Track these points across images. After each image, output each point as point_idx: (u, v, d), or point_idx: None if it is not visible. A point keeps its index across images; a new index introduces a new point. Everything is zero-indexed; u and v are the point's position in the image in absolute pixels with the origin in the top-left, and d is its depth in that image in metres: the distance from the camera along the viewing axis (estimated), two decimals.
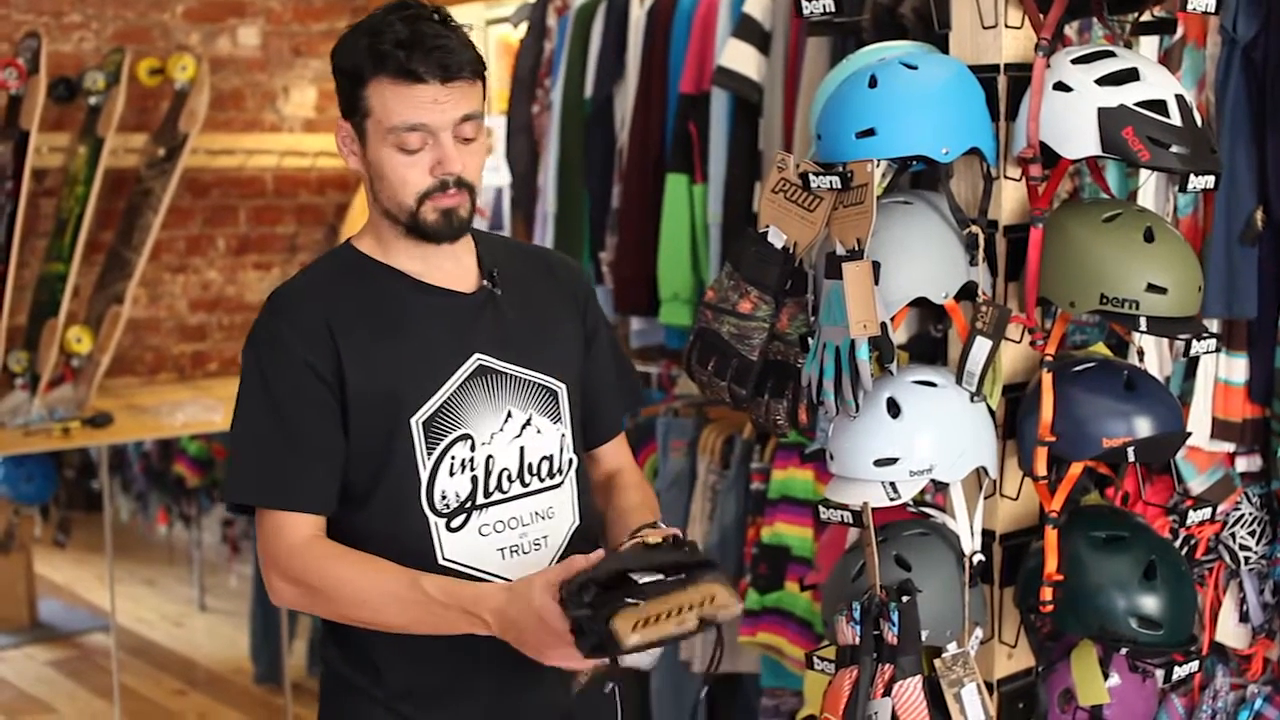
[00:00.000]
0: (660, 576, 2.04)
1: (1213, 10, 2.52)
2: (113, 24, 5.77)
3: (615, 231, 4.55)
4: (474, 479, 2.30)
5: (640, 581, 2.04)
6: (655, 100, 4.37)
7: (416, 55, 2.18)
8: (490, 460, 2.31)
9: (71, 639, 6.61)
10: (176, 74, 5.63)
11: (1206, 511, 2.76)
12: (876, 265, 2.49)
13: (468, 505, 2.30)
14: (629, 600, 2.00)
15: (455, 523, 2.30)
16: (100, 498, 6.16)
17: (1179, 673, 2.62)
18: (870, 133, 2.49)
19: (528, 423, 2.36)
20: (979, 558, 2.65)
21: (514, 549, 2.33)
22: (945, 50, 2.69)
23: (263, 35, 6.13)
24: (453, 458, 2.29)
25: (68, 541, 6.94)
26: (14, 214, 5.20)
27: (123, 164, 5.66)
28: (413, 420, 2.27)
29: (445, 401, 2.28)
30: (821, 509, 2.68)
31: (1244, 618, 3.07)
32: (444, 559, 2.29)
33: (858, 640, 2.55)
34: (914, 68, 2.54)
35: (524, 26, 5.03)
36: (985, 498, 2.69)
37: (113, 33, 5.77)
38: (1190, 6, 2.48)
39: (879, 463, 2.55)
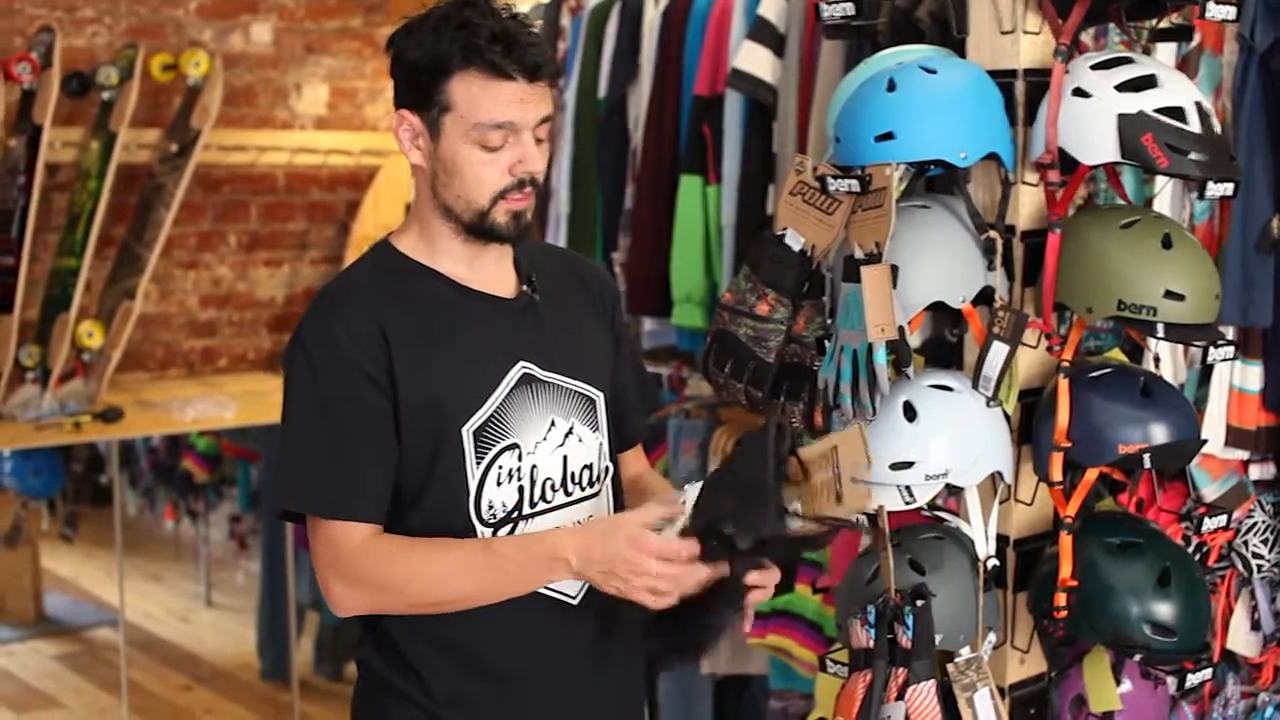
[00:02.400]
0: None
1: (1232, 18, 2.52)
2: (126, 19, 5.77)
3: (628, 232, 4.55)
4: (520, 489, 2.28)
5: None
6: (669, 102, 4.37)
7: (512, 52, 2.17)
8: (535, 470, 2.28)
9: (78, 633, 6.61)
10: (189, 70, 5.63)
11: (1222, 519, 2.76)
12: (895, 269, 2.49)
13: (514, 515, 2.28)
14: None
15: (501, 533, 2.27)
16: (107, 492, 6.17)
17: (1192, 680, 2.63)
18: (889, 136, 2.50)
19: (570, 431, 2.33)
20: (993, 562, 2.65)
21: None
22: (962, 55, 2.70)
23: (275, 32, 6.13)
24: (500, 467, 2.26)
25: (75, 536, 6.95)
26: (26, 208, 5.20)
27: (135, 159, 5.66)
28: (464, 429, 2.24)
29: (495, 411, 2.26)
30: None
31: (1255, 626, 3.07)
32: None
33: (872, 643, 2.55)
34: (933, 72, 2.54)
35: (538, 26, 5.03)
36: (1000, 502, 2.69)
37: (126, 28, 5.77)
38: (1209, 14, 2.48)
39: (895, 466, 2.55)
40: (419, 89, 2.22)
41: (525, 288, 2.36)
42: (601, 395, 2.40)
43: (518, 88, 2.19)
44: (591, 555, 2.14)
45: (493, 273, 2.34)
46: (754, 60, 4.03)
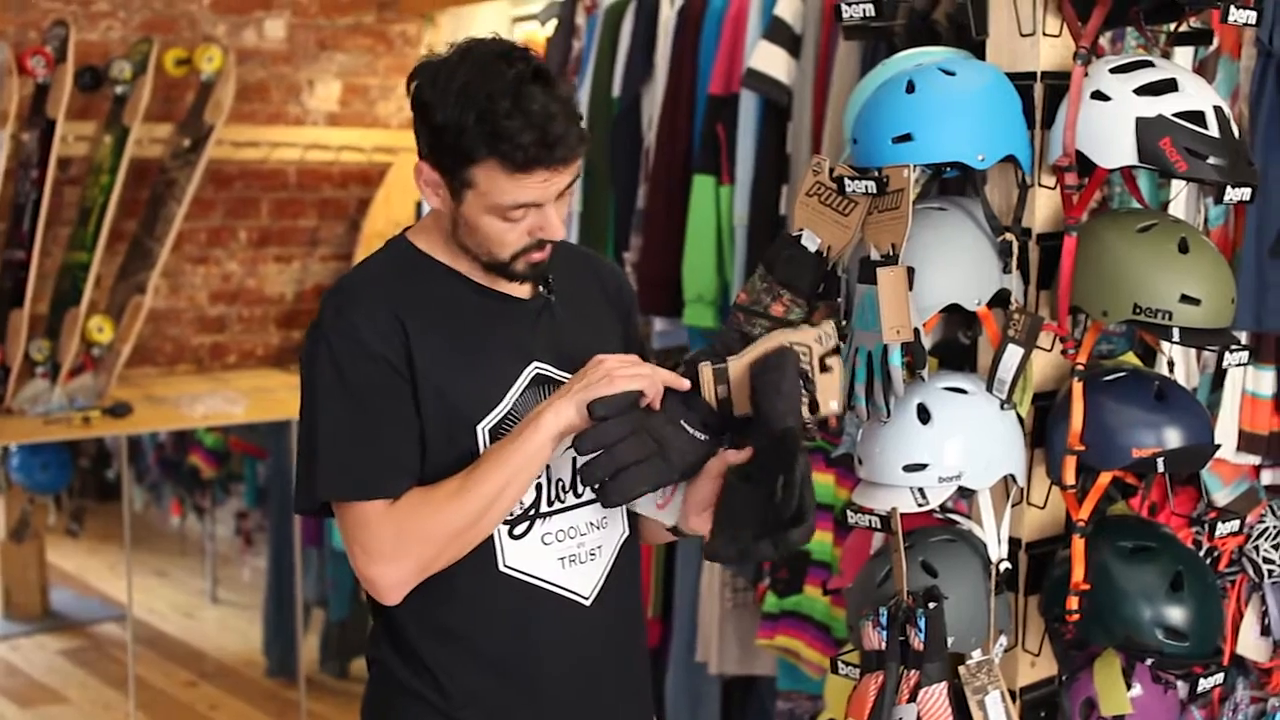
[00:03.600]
0: None
1: (1253, 22, 2.52)
2: (140, 14, 5.78)
3: (640, 231, 4.55)
4: (538, 487, 2.27)
5: None
6: (683, 101, 4.37)
7: (543, 152, 2.11)
8: (549, 469, 2.27)
9: (83, 628, 6.62)
10: (203, 65, 5.64)
11: (1235, 524, 2.76)
12: (911, 271, 2.49)
13: (531, 513, 2.27)
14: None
15: (518, 530, 2.27)
16: (113, 487, 6.17)
17: (1204, 684, 2.62)
18: (907, 138, 2.49)
19: None
20: (1005, 565, 2.65)
21: (572, 558, 2.31)
22: (981, 57, 2.69)
23: (289, 28, 6.14)
24: None
25: (81, 531, 6.96)
26: (39, 202, 5.22)
27: (147, 154, 5.67)
28: (480, 427, 2.24)
29: (510, 410, 2.25)
30: (849, 513, 2.68)
31: (1265, 631, 3.07)
32: (505, 565, 2.27)
33: (884, 645, 2.55)
34: (952, 74, 2.54)
35: (552, 24, 5.04)
36: (1012, 505, 2.68)
37: (140, 22, 5.78)
38: (1231, 18, 2.48)
39: (908, 468, 2.55)
40: (441, 156, 2.18)
41: (542, 288, 2.36)
42: None
43: (543, 173, 2.15)
44: (565, 386, 2.20)
45: None
46: (769, 60, 4.03)
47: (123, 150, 5.39)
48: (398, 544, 2.18)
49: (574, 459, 2.31)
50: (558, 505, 2.31)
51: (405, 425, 2.21)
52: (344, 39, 6.26)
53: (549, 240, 2.23)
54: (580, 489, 2.33)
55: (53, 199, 5.30)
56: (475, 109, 2.11)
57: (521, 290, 2.34)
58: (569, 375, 2.30)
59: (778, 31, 4.03)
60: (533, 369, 2.30)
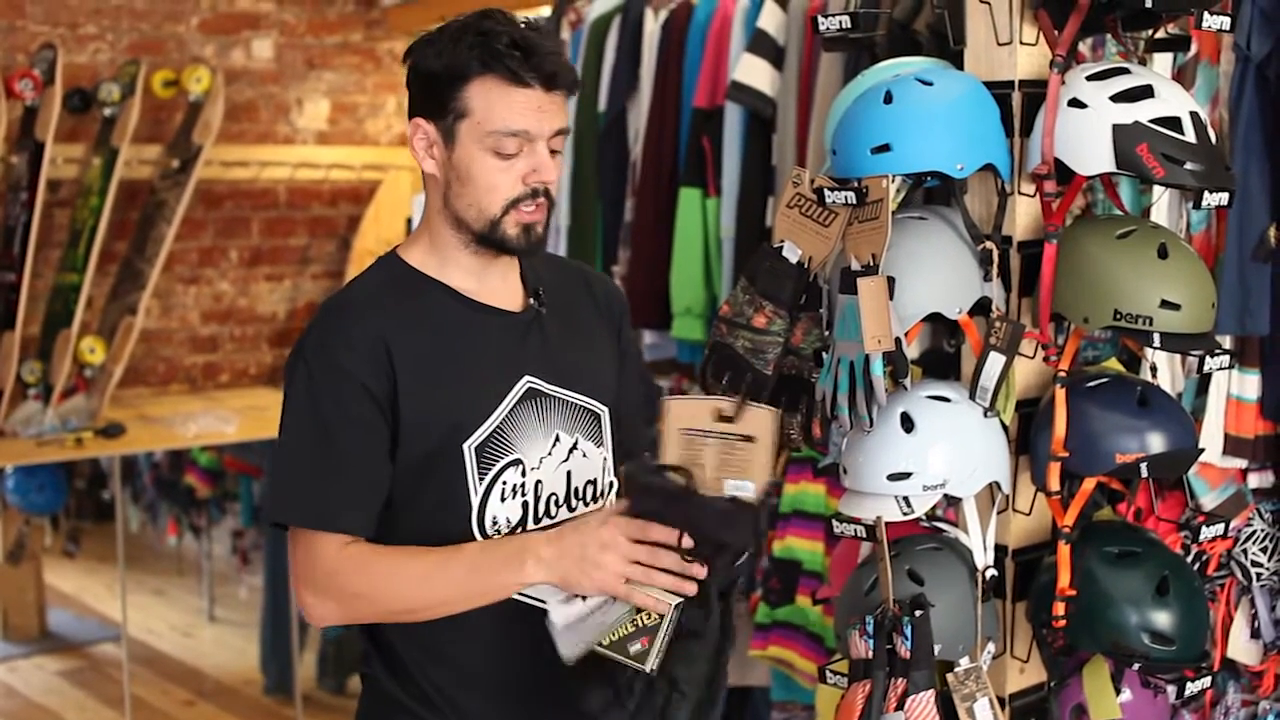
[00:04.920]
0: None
1: (1227, 28, 2.53)
2: (128, 36, 5.80)
3: (628, 245, 4.56)
4: (525, 504, 2.27)
5: None
6: (669, 114, 4.38)
7: (531, 59, 2.18)
8: (539, 485, 2.27)
9: (81, 649, 6.61)
10: (191, 86, 5.65)
11: (1219, 527, 2.76)
12: (891, 280, 2.49)
13: (518, 530, 2.27)
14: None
15: None
16: (109, 508, 6.17)
17: (1191, 688, 2.62)
18: (885, 148, 2.50)
19: (574, 446, 2.32)
20: (991, 572, 2.65)
21: None
22: (960, 66, 2.70)
23: (276, 48, 6.15)
24: (504, 483, 2.25)
25: (77, 551, 6.96)
26: (29, 224, 5.23)
27: (137, 175, 5.68)
28: (465, 445, 2.23)
29: (498, 426, 2.25)
30: (835, 523, 2.68)
31: (1255, 634, 3.08)
32: None
33: (871, 654, 2.55)
34: (929, 84, 2.54)
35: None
36: (998, 513, 2.69)
37: (128, 44, 5.80)
38: (1205, 24, 2.49)
39: (892, 477, 2.55)
40: (436, 97, 2.23)
41: (532, 301, 2.36)
42: (606, 410, 2.40)
43: (535, 95, 2.20)
44: (562, 541, 2.13)
45: (500, 286, 2.33)
46: (753, 73, 4.05)
47: (112, 172, 5.40)
48: (329, 586, 2.19)
49: (568, 473, 2.32)
50: (546, 521, 2.30)
51: (371, 462, 2.21)
52: (332, 58, 6.28)
53: (541, 187, 2.24)
54: (574, 504, 2.33)
55: (43, 221, 5.31)
56: (470, 34, 2.20)
57: (512, 303, 2.34)
58: (561, 389, 2.31)
59: (761, 43, 4.04)
60: (524, 383, 2.29)
